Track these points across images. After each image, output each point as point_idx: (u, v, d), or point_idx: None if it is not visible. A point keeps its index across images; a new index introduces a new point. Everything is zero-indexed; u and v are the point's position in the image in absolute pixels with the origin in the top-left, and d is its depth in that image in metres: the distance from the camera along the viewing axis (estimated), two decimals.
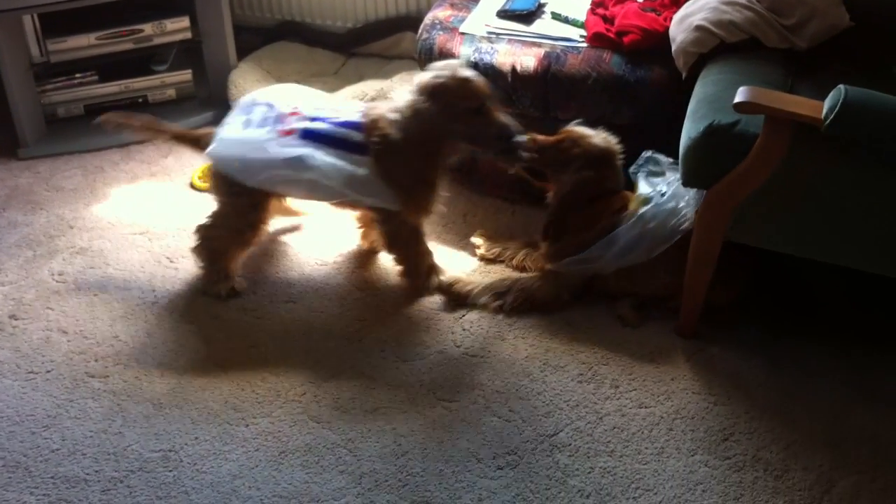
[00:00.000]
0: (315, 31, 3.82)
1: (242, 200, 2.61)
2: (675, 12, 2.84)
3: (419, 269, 2.70)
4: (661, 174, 2.66)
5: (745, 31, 2.63)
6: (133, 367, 2.48)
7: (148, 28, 3.46)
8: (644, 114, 2.82)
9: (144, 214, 3.05)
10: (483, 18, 3.09)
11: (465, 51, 2.95)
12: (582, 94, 2.82)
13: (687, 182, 2.42)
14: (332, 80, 3.60)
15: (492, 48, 2.94)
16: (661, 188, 2.59)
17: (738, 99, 2.20)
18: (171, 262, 2.84)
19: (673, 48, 2.75)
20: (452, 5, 3.20)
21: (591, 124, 2.71)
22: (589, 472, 2.19)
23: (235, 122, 2.61)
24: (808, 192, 2.27)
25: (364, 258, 2.86)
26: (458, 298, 2.67)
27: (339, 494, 2.14)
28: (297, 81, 3.63)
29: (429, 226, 2.77)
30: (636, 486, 2.16)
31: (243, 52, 3.68)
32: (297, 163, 2.48)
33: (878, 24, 2.68)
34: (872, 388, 2.41)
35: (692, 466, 2.21)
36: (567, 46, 2.93)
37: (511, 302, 2.63)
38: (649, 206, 2.55)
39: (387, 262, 2.80)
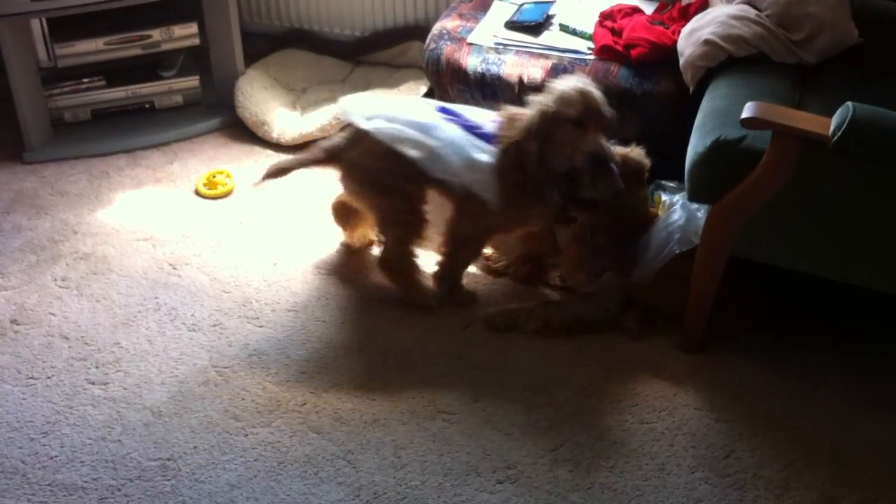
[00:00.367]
0: (323, 38, 3.82)
1: (395, 196, 2.59)
2: (683, 26, 2.84)
3: (451, 273, 2.69)
4: (677, 191, 2.67)
5: (754, 45, 2.62)
6: (133, 374, 2.48)
7: (156, 34, 3.45)
8: (651, 127, 2.81)
9: (149, 221, 3.05)
10: (491, 29, 3.08)
11: (473, 61, 2.94)
12: None
13: (693, 197, 2.40)
14: (340, 88, 3.59)
15: (499, 59, 2.93)
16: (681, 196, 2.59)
17: (745, 114, 2.19)
18: (175, 269, 2.84)
19: (681, 62, 2.74)
20: (461, 16, 3.19)
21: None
22: (589, 488, 2.17)
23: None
24: (817, 209, 2.25)
25: (354, 256, 2.87)
26: (505, 326, 2.61)
27: None
28: (305, 89, 3.65)
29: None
30: (636, 503, 2.14)
31: (251, 59, 3.68)
32: (426, 130, 2.50)
33: (888, 39, 2.67)
34: (877, 399, 2.40)
35: (693, 483, 2.19)
36: (575, 58, 2.92)
37: (559, 325, 2.59)
38: (676, 207, 2.55)
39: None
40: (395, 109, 2.59)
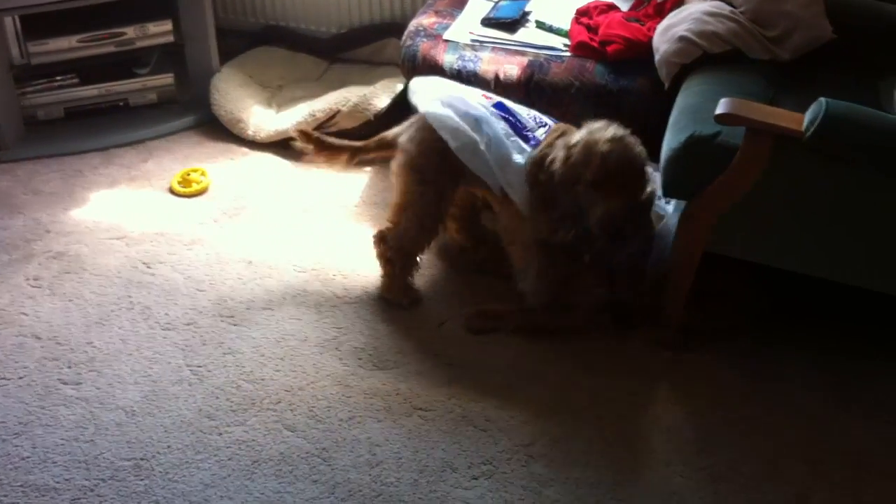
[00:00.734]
0: (299, 36, 3.80)
1: (429, 189, 2.56)
2: (658, 23, 2.84)
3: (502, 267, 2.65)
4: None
5: (728, 42, 2.63)
6: (106, 374, 2.45)
7: (130, 31, 3.43)
8: (627, 123, 2.79)
9: (123, 219, 3.03)
10: (467, 26, 3.07)
11: (449, 58, 2.94)
12: (565, 103, 2.80)
13: (667, 192, 2.41)
14: (316, 86, 3.58)
15: (475, 56, 2.93)
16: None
17: (719, 110, 2.20)
18: (149, 267, 2.82)
19: (656, 58, 2.74)
20: (437, 12, 3.18)
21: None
22: (565, 482, 2.17)
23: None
24: (791, 204, 2.26)
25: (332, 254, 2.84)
26: (483, 330, 2.58)
27: None
28: (280, 86, 3.63)
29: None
30: (612, 496, 2.14)
31: (226, 57, 3.65)
32: (475, 122, 2.47)
33: (861, 36, 2.68)
34: (854, 397, 2.40)
35: (668, 477, 2.19)
36: (551, 55, 2.92)
37: (537, 330, 2.56)
38: (670, 212, 2.53)
39: (364, 270, 2.79)
40: (455, 97, 2.54)
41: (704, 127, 2.28)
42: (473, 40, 3.00)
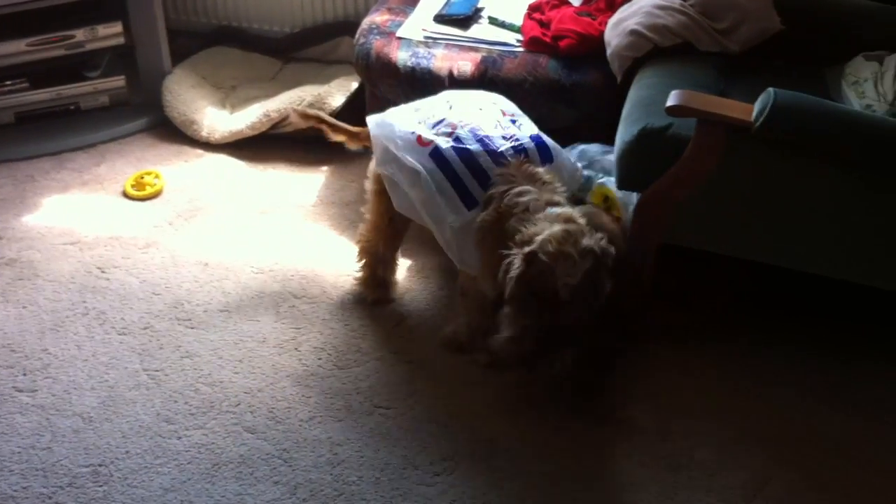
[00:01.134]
0: (252, 35, 3.78)
1: (396, 217, 2.47)
2: (610, 17, 2.86)
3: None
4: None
5: (679, 35, 2.65)
6: (62, 380, 2.42)
7: (80, 34, 3.38)
8: (581, 117, 2.83)
9: (76, 224, 2.98)
10: (420, 23, 3.07)
11: (403, 56, 2.93)
12: (519, 98, 2.79)
13: (622, 185, 2.43)
14: (270, 86, 3.56)
15: (429, 53, 2.93)
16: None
17: (670, 102, 2.21)
18: (103, 272, 2.78)
19: (608, 52, 2.76)
20: (390, 10, 3.18)
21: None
22: (527, 476, 2.18)
23: (410, 107, 2.50)
24: (746, 195, 2.29)
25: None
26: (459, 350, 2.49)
27: None
28: (234, 86, 3.60)
29: None
30: (573, 487, 2.16)
31: (179, 58, 3.61)
32: (413, 176, 2.32)
33: (809, 27, 2.72)
34: (813, 387, 2.43)
35: (630, 467, 2.21)
36: (504, 51, 2.93)
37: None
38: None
39: (322, 270, 2.78)
40: (403, 144, 2.36)
41: (656, 119, 2.30)
42: (427, 37, 3.00)
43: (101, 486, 2.15)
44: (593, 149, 2.70)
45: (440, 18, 3.08)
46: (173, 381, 2.42)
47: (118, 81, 3.51)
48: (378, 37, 3.01)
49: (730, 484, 2.17)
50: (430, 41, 2.98)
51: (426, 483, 2.16)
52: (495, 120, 2.42)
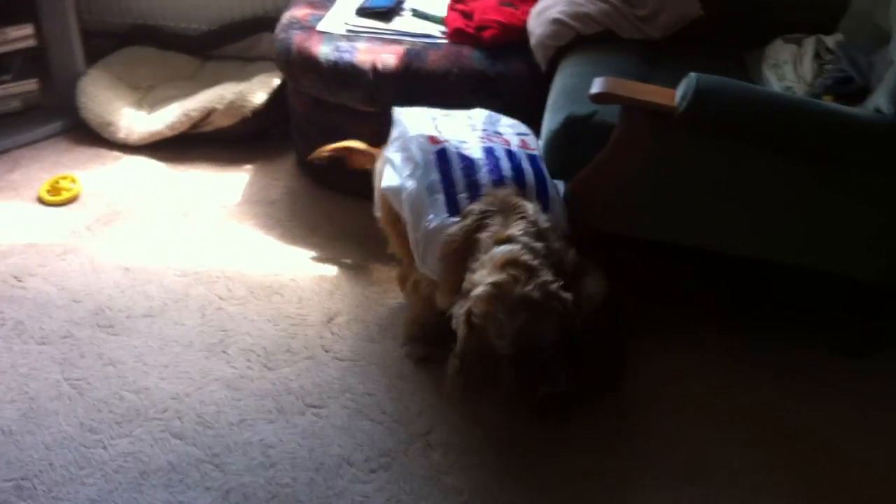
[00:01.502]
0: (169, 34, 3.69)
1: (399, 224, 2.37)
2: (532, 6, 2.85)
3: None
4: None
5: (601, 22, 2.66)
6: None
7: None
8: (507, 107, 2.80)
9: None
10: (342, 17, 3.03)
11: (324, 50, 2.88)
12: (444, 90, 2.79)
13: (552, 174, 2.41)
14: (189, 84, 3.48)
15: (351, 46, 2.88)
16: None
17: (593, 90, 2.21)
18: (19, 281, 2.68)
19: (532, 42, 2.76)
20: (310, 4, 3.13)
21: None
22: (465, 469, 2.16)
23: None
24: (675, 180, 2.29)
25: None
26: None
27: None
28: (151, 86, 3.52)
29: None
30: (515, 482, 2.14)
31: (93, 59, 3.52)
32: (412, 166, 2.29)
33: (729, 12, 2.75)
34: (761, 361, 2.44)
35: (574, 461, 2.18)
36: (427, 43, 2.90)
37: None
38: None
39: (248, 270, 2.72)
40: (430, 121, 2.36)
41: (581, 107, 2.30)
42: (349, 31, 2.96)
43: (24, 500, 2.07)
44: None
45: (362, 11, 3.04)
46: (97, 389, 2.34)
47: (31, 85, 3.42)
48: (298, 31, 2.96)
49: (669, 467, 2.17)
50: (353, 34, 2.94)
51: (362, 481, 2.12)
52: (514, 147, 2.36)
